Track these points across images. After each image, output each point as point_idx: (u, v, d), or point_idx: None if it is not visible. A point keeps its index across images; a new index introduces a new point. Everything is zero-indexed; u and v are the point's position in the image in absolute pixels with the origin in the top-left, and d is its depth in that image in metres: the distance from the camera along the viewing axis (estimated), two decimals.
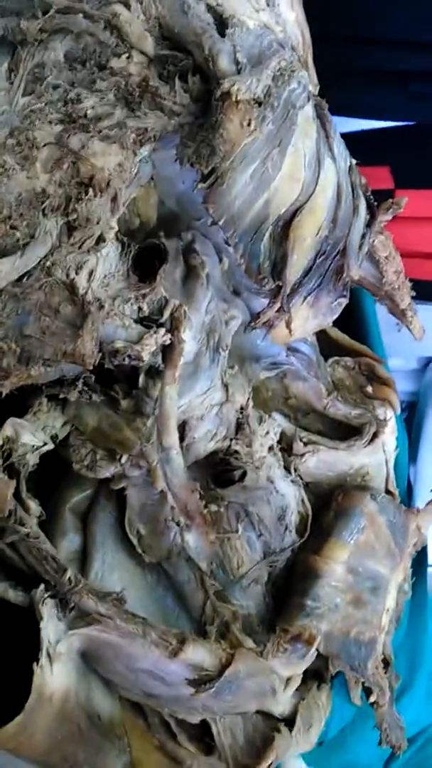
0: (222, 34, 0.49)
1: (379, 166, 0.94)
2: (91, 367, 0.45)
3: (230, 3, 0.50)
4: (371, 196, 0.57)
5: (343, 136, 0.54)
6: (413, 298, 0.68)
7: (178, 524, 0.53)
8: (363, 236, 0.55)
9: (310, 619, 0.60)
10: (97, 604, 0.46)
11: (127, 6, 0.49)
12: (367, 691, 0.64)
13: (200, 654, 0.45)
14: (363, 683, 0.64)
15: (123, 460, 0.54)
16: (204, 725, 0.54)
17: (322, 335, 0.73)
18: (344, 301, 0.57)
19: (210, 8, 0.50)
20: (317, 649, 0.60)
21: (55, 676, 0.45)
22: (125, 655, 0.46)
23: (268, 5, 0.53)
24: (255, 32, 0.50)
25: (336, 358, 0.73)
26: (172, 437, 0.50)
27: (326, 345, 0.74)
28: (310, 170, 0.50)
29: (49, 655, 0.45)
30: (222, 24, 0.49)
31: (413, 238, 0.93)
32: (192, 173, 0.50)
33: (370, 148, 0.91)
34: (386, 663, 0.67)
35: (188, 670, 0.45)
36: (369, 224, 0.56)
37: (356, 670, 0.62)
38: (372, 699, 0.64)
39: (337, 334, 0.76)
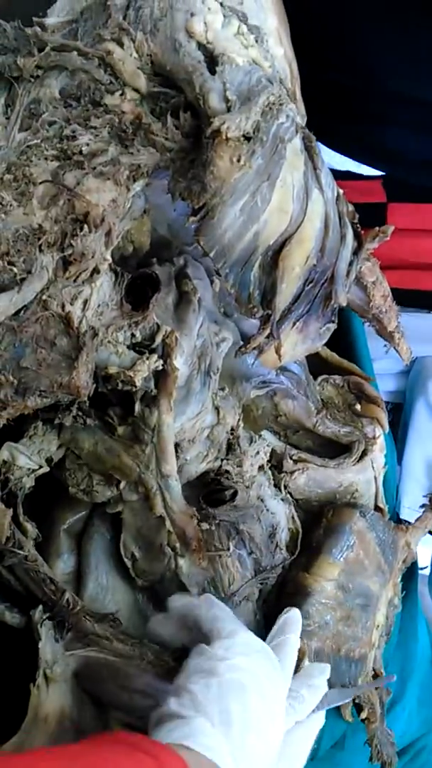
0: (212, 71, 0.50)
1: (372, 179, 0.96)
2: (85, 398, 0.46)
3: (220, 41, 0.52)
4: (358, 224, 0.59)
5: None
6: (404, 305, 0.70)
7: (173, 549, 0.54)
8: (350, 264, 0.57)
9: (301, 637, 0.61)
10: (94, 626, 0.47)
11: (120, 44, 0.50)
12: (358, 708, 0.65)
13: None
14: (354, 700, 0.65)
15: (122, 485, 0.55)
16: None
17: (311, 354, 0.75)
18: (333, 327, 0.59)
19: (201, 46, 0.51)
20: None
21: (51, 697, 0.46)
22: (121, 676, 0.47)
23: (256, 41, 0.54)
24: (244, 69, 0.52)
25: (325, 376, 0.75)
26: (171, 464, 0.51)
27: (315, 363, 0.75)
28: (298, 202, 0.52)
29: (45, 676, 0.46)
30: (212, 61, 0.51)
31: (405, 249, 0.94)
32: (183, 201, 0.52)
33: None
34: (376, 677, 0.69)
35: None
36: (356, 252, 0.57)
37: (347, 687, 0.63)
38: (363, 715, 0.65)
39: (326, 352, 0.77)
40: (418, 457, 1.08)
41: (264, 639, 0.58)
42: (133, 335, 0.52)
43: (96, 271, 0.46)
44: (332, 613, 0.63)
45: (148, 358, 0.51)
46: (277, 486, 0.68)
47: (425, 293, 0.99)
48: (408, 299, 0.74)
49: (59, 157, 0.46)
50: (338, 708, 0.66)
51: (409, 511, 0.91)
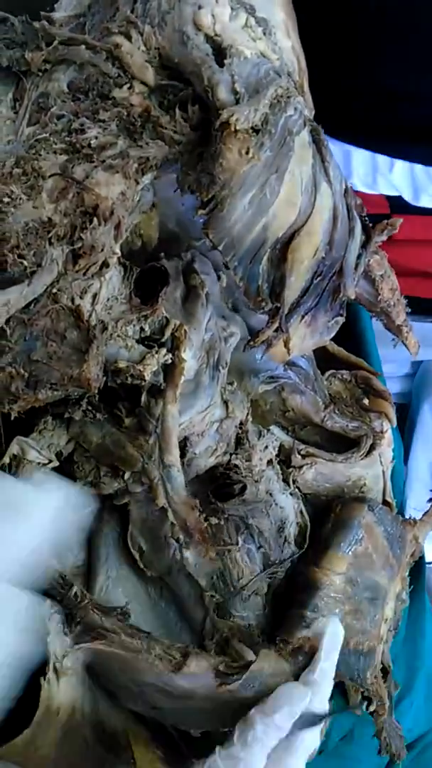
0: (220, 64, 0.50)
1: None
2: (96, 391, 0.46)
3: (228, 33, 0.52)
4: (366, 217, 0.59)
5: None
6: (410, 313, 0.70)
7: (177, 541, 0.54)
8: (359, 257, 0.57)
9: (310, 631, 0.61)
10: (102, 619, 0.47)
11: (128, 37, 0.50)
12: (367, 701, 0.65)
13: (203, 667, 0.46)
14: (362, 693, 0.65)
15: (126, 476, 0.55)
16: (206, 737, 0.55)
17: (319, 349, 0.75)
18: (341, 320, 0.59)
19: (209, 38, 0.51)
20: None
21: (62, 690, 0.46)
22: (130, 669, 0.47)
23: (264, 34, 0.54)
24: (252, 61, 0.52)
25: (333, 371, 0.75)
26: (173, 455, 0.51)
27: (323, 358, 0.75)
28: (306, 195, 0.51)
29: (55, 669, 0.46)
30: (220, 54, 0.51)
31: (410, 258, 0.95)
32: (191, 195, 0.52)
33: None
34: (385, 672, 0.68)
35: (192, 682, 0.46)
36: (365, 245, 0.57)
37: (356, 680, 0.63)
38: (371, 708, 0.65)
39: (333, 347, 0.77)
40: (423, 459, 1.08)
41: (272, 632, 0.58)
42: (142, 329, 0.52)
43: (105, 264, 0.46)
44: (341, 606, 0.63)
45: (157, 352, 0.51)
46: (285, 480, 0.68)
47: (428, 301, 0.99)
48: (412, 307, 0.74)
49: (68, 151, 0.46)
50: (347, 701, 0.67)
51: (415, 512, 0.91)
